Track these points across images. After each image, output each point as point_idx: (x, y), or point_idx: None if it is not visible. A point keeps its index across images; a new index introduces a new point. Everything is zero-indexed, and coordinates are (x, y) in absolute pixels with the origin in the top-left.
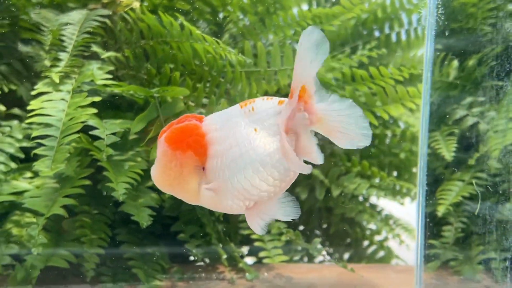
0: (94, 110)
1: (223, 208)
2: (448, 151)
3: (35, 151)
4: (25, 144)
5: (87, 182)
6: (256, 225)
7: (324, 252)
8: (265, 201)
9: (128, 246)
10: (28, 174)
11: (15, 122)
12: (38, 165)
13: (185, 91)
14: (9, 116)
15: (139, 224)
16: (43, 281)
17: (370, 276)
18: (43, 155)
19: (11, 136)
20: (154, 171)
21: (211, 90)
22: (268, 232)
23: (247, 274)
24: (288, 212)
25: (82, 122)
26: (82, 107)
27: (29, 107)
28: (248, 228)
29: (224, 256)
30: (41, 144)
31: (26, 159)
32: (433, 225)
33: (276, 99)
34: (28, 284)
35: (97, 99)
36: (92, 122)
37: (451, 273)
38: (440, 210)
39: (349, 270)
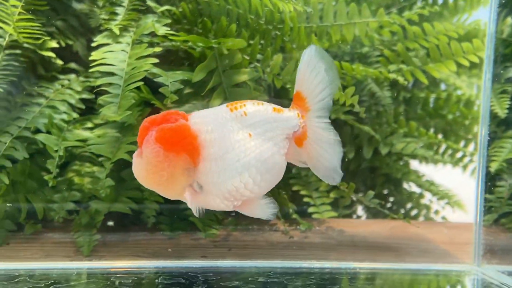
0: (155, 60)
1: (210, 206)
2: (501, 108)
3: (101, 97)
4: (84, 96)
5: None
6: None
7: (378, 205)
8: (252, 199)
9: None
10: (89, 125)
11: (72, 76)
12: (104, 111)
13: (243, 43)
14: (66, 70)
15: None
16: (104, 228)
17: (422, 231)
18: (109, 101)
19: (71, 88)
20: (140, 170)
21: (266, 44)
22: (316, 189)
23: (300, 225)
24: (270, 211)
25: (145, 70)
26: (143, 57)
27: (91, 58)
28: (298, 184)
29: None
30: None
31: (86, 111)
32: (487, 181)
33: (268, 106)
34: (93, 228)
35: (157, 49)
36: (155, 70)
37: (503, 230)
38: (493, 167)
39: (405, 221)
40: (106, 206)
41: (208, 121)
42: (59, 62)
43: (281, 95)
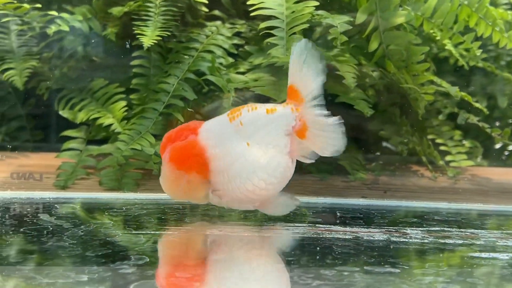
0: (316, 3)
1: (232, 207)
2: None
3: (268, 39)
4: (235, 41)
5: None
6: (281, 211)
7: None
8: (270, 198)
9: None
10: (241, 69)
11: (218, 22)
12: (273, 52)
13: None
14: (210, 18)
15: None
16: None
17: None
18: (275, 44)
19: (221, 34)
20: (165, 185)
21: None
22: (451, 138)
23: (448, 172)
24: (289, 207)
25: (309, 13)
26: (301, 1)
27: (249, 2)
28: (433, 133)
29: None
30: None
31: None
32: None
33: (262, 108)
34: None
35: None
36: (320, 12)
37: None
38: None
39: None
40: None
41: (213, 135)
42: (204, 9)
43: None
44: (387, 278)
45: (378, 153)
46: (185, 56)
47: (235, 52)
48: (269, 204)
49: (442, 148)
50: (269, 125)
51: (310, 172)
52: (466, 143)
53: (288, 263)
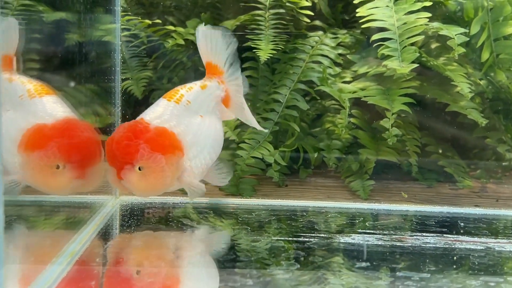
0: (428, 14)
1: (190, 185)
2: None
3: (382, 50)
4: (340, 51)
5: (415, 84)
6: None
7: None
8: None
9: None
10: (347, 78)
11: (320, 32)
12: (389, 64)
13: None
14: (311, 28)
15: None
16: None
17: None
18: (390, 55)
19: (325, 44)
20: (146, 183)
21: None
22: None
23: None
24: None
25: (422, 24)
26: (411, 12)
27: (358, 14)
28: None
29: None
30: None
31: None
32: None
33: (197, 86)
34: (364, 174)
35: (427, 3)
36: (435, 24)
37: None
38: None
39: None
40: (374, 154)
41: (168, 118)
42: (306, 20)
43: None
44: None
45: (481, 160)
46: (292, 66)
47: (341, 62)
48: (210, 172)
49: None
50: (207, 98)
51: (417, 179)
52: None
53: (433, 272)
